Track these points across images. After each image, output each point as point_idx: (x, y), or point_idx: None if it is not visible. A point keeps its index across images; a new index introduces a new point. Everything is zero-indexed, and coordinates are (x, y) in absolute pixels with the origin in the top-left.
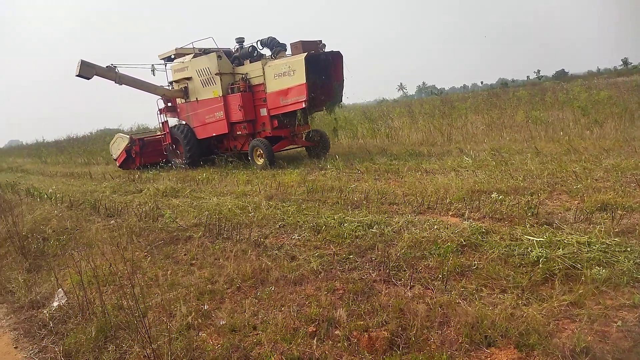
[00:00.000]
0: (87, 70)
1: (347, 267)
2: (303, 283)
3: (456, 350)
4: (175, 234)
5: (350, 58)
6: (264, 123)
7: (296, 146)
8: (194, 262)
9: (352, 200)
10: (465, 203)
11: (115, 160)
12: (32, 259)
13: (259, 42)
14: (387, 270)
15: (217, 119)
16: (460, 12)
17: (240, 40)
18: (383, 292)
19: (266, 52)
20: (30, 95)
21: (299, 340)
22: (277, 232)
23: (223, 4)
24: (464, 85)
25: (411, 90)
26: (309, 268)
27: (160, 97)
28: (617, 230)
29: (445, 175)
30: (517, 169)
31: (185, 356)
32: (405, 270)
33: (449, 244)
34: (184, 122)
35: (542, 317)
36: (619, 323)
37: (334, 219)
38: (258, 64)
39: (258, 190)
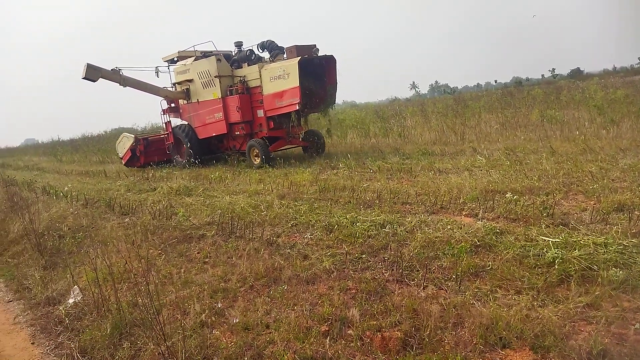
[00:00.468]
0: (92, 73)
1: (359, 267)
2: (316, 282)
3: (470, 351)
4: (188, 232)
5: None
6: (261, 124)
7: (292, 146)
8: (207, 260)
9: (364, 200)
10: (479, 203)
11: (121, 158)
12: (48, 256)
13: (258, 46)
14: (400, 270)
15: (216, 119)
16: (472, 10)
17: (238, 44)
18: (396, 292)
19: (265, 55)
20: (46, 94)
21: (312, 339)
22: (290, 231)
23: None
24: (478, 83)
25: (424, 89)
26: (322, 267)
27: (163, 98)
28: (634, 231)
29: (459, 174)
30: (532, 168)
31: (199, 354)
32: (418, 270)
33: (462, 244)
34: (186, 123)
35: (558, 318)
36: (637, 325)
37: (347, 218)
38: (255, 67)
39: (270, 189)
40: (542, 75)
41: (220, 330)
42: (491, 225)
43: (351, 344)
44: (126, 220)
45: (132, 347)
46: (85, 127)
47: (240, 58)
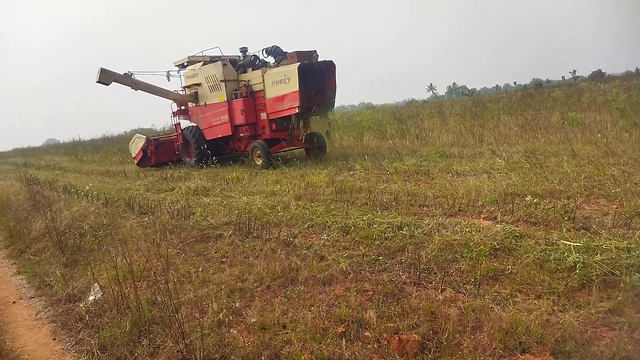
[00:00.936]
0: (106, 77)
1: (376, 269)
2: (332, 283)
3: (489, 355)
4: (206, 232)
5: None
6: (264, 126)
7: (294, 148)
8: (224, 259)
9: (381, 201)
10: (498, 206)
11: (134, 158)
12: (69, 254)
13: (264, 50)
14: (418, 273)
15: (222, 121)
16: (491, 11)
17: (243, 50)
18: (413, 295)
19: (271, 59)
20: (67, 94)
21: (329, 340)
22: (306, 232)
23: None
24: (496, 85)
25: (441, 91)
26: (338, 268)
27: (173, 101)
28: None
29: (477, 177)
30: (553, 171)
31: (217, 352)
32: (436, 273)
33: (481, 247)
34: (194, 124)
35: (579, 324)
36: None
37: (363, 220)
38: (258, 72)
39: (287, 190)
40: (563, 77)
41: (238, 330)
42: (511, 228)
43: (368, 346)
44: (145, 219)
45: (151, 344)
46: (106, 127)
47: (245, 63)
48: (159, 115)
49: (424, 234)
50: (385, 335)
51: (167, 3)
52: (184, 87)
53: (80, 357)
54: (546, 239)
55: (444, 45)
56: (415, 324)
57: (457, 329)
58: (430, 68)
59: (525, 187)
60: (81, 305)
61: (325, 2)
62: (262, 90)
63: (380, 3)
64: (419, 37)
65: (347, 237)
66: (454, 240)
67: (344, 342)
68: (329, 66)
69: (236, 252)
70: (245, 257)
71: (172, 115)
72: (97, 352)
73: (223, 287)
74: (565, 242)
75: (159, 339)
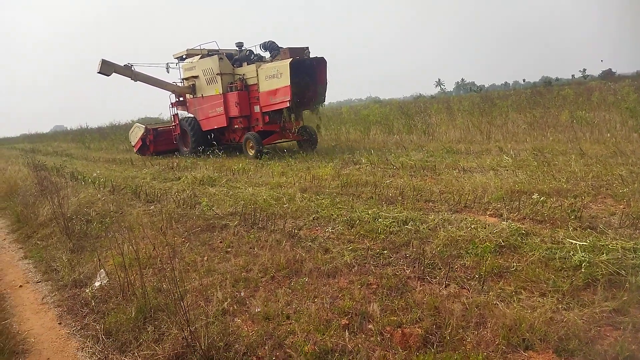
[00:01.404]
0: (106, 68)
1: (381, 262)
2: (336, 276)
3: (492, 351)
4: (211, 221)
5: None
6: (257, 119)
7: (286, 140)
8: (229, 249)
9: (386, 196)
10: (504, 203)
11: (133, 146)
12: (76, 240)
13: (260, 45)
14: (422, 268)
15: (218, 113)
16: (501, 7)
17: (239, 45)
18: (417, 289)
19: (267, 54)
20: (75, 82)
21: (332, 331)
22: (311, 224)
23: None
24: (505, 82)
25: (449, 87)
26: (343, 261)
27: (171, 92)
28: None
29: (484, 174)
30: (560, 170)
31: (221, 340)
32: (440, 269)
33: (486, 243)
34: (191, 115)
35: (583, 322)
36: None
37: (368, 214)
38: (253, 67)
39: (292, 182)
40: (572, 76)
41: (242, 319)
42: (516, 226)
43: (371, 339)
44: (151, 207)
45: (156, 330)
46: (113, 116)
47: (241, 57)
48: (166, 105)
49: (429, 229)
50: (388, 329)
51: (169, 1)
52: (183, 79)
53: (86, 342)
54: (552, 237)
55: (453, 41)
56: (419, 318)
57: (461, 324)
58: (438, 64)
59: (532, 185)
60: (87, 290)
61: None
62: (256, 84)
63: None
64: (428, 33)
65: (352, 230)
66: (459, 236)
67: (347, 334)
68: (320, 62)
69: (241, 242)
70: (250, 248)
71: (171, 106)
72: (102, 337)
73: (228, 276)
74: (571, 240)
75: (164, 325)
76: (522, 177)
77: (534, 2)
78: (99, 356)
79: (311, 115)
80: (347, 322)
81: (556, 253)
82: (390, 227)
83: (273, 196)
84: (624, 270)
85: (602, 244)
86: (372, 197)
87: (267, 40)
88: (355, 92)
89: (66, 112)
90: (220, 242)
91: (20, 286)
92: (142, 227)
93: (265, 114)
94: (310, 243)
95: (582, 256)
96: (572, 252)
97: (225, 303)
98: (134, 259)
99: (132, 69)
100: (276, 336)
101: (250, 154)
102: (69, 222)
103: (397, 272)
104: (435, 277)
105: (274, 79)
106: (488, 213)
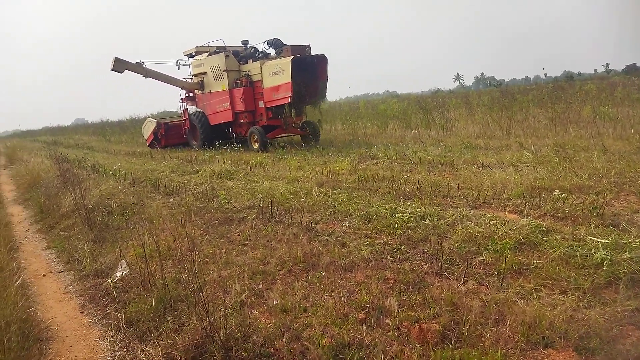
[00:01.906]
0: (119, 65)
1: (398, 258)
2: (353, 270)
3: (511, 349)
4: (229, 214)
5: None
6: (262, 114)
7: (289, 134)
8: (247, 242)
9: (404, 191)
10: (525, 199)
11: (146, 140)
12: (98, 231)
13: (266, 42)
14: (440, 263)
15: (224, 108)
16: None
17: (245, 42)
18: (435, 285)
19: (272, 51)
20: (96, 76)
21: (349, 325)
22: (328, 219)
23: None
24: (526, 76)
25: (468, 81)
26: (360, 256)
27: (181, 88)
28: None
29: (503, 169)
30: (582, 166)
31: (239, 331)
32: (458, 265)
33: (506, 240)
34: (200, 110)
35: (605, 321)
36: None
37: (386, 209)
38: (257, 64)
39: (309, 176)
40: (595, 70)
41: (260, 311)
42: (537, 222)
43: (388, 333)
44: (170, 200)
45: (176, 320)
46: (133, 109)
47: (246, 55)
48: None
49: (447, 225)
50: (405, 324)
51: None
52: (192, 76)
53: (107, 331)
54: (573, 234)
55: (472, 35)
56: (437, 314)
57: (479, 320)
58: (456, 58)
59: (553, 181)
60: (108, 280)
61: None
62: (260, 80)
63: None
64: (446, 26)
65: (369, 225)
66: (477, 232)
67: (364, 328)
68: (321, 60)
69: (259, 235)
70: (268, 241)
71: (181, 101)
72: (123, 327)
73: (246, 269)
74: (592, 238)
75: (184, 316)
76: (543, 173)
77: None
78: (120, 345)
79: (312, 111)
80: (364, 317)
81: (577, 250)
82: (407, 223)
83: (290, 190)
84: None
85: (625, 241)
86: (390, 192)
87: (273, 38)
88: (372, 87)
89: (87, 106)
90: (238, 235)
91: (44, 275)
92: (162, 219)
93: (268, 109)
94: (327, 237)
95: (604, 254)
96: (593, 250)
97: (244, 295)
98: (155, 250)
99: (144, 66)
100: (293, 329)
101: (255, 147)
102: (90, 213)
103: (415, 267)
104: (453, 273)
105: (276, 76)
106: (508, 209)
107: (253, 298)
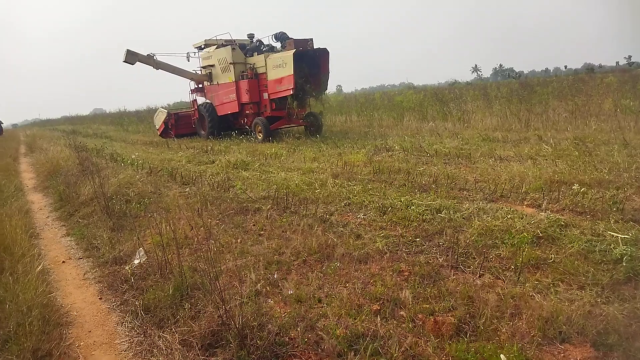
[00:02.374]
0: (131, 57)
1: (413, 250)
2: (368, 262)
3: (527, 343)
4: (245, 204)
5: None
6: (266, 105)
7: (293, 125)
8: (262, 232)
9: (420, 183)
10: (543, 193)
11: (157, 129)
12: (116, 219)
13: (272, 36)
14: (456, 256)
15: (231, 99)
16: None
17: (250, 36)
18: (450, 278)
19: (278, 44)
20: (114, 67)
21: (363, 316)
22: (343, 210)
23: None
24: (546, 68)
25: (486, 73)
26: (374, 247)
27: (190, 80)
28: None
29: (522, 163)
30: (602, 160)
31: (254, 320)
32: (474, 258)
33: (523, 234)
34: (208, 101)
35: (624, 317)
36: None
37: (401, 201)
38: (262, 56)
39: (324, 167)
40: (617, 63)
41: (275, 300)
42: (555, 217)
43: (403, 325)
44: (187, 189)
45: (192, 308)
46: (150, 100)
47: (252, 48)
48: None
49: (464, 218)
50: (420, 316)
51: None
52: (201, 68)
53: (125, 317)
54: (592, 229)
55: (490, 26)
56: (452, 307)
57: (495, 314)
58: (474, 50)
59: (573, 175)
60: (126, 267)
61: None
62: (265, 72)
63: None
64: (463, 16)
65: (384, 217)
66: (494, 226)
67: (378, 319)
68: (323, 53)
69: (274, 225)
70: (283, 231)
71: (190, 92)
72: (141, 313)
73: (261, 258)
74: (612, 233)
75: (200, 303)
76: (562, 167)
77: None
78: (137, 331)
79: (316, 103)
80: (378, 308)
81: (596, 246)
82: (423, 215)
83: (305, 181)
84: None
85: None
86: (405, 185)
87: (279, 32)
88: (388, 78)
89: (105, 95)
90: (254, 225)
91: (63, 262)
92: (179, 209)
93: (272, 100)
94: (341, 228)
95: (624, 249)
96: (613, 245)
97: (259, 284)
98: (172, 239)
99: (155, 58)
100: (308, 319)
101: (259, 138)
102: (109, 201)
103: (430, 260)
104: (469, 267)
105: (279, 68)
106: (525, 203)
107: (268, 287)
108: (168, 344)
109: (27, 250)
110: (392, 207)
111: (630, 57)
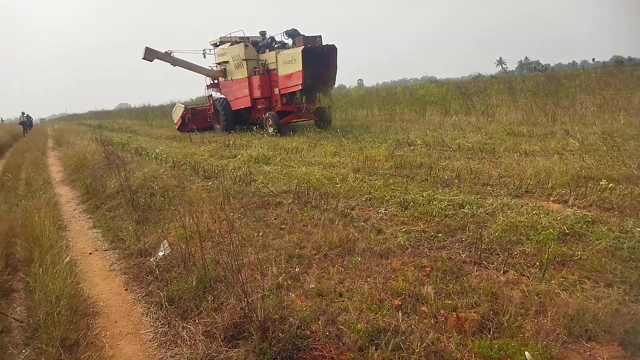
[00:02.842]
0: (150, 55)
1: (435, 245)
2: (389, 257)
3: (552, 340)
4: (266, 199)
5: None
6: (277, 100)
7: (303, 119)
8: (283, 226)
9: (442, 178)
10: (570, 189)
11: (175, 123)
12: (141, 212)
13: (284, 33)
14: (479, 252)
15: (244, 95)
16: None
17: (262, 33)
18: (473, 274)
19: (289, 41)
20: (138, 63)
21: (385, 311)
22: (364, 205)
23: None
24: (573, 61)
25: (511, 66)
26: (396, 242)
27: (206, 76)
28: None
29: (548, 158)
30: (631, 155)
31: (276, 313)
32: (498, 254)
33: (549, 230)
34: (223, 97)
35: None
36: None
37: (423, 196)
38: (273, 53)
39: (345, 162)
40: None
41: (296, 294)
42: (582, 213)
43: (425, 320)
44: (209, 183)
45: (215, 300)
46: (174, 94)
47: (264, 45)
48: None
49: (487, 214)
50: (442, 312)
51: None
52: (216, 64)
53: (150, 308)
54: (620, 225)
55: (516, 17)
56: (475, 303)
57: (519, 311)
58: (499, 42)
59: (601, 170)
60: (151, 259)
61: None
62: (276, 68)
63: None
64: (487, 7)
65: (406, 212)
66: (519, 221)
67: (400, 314)
68: (331, 49)
69: (295, 220)
70: (304, 225)
71: (206, 87)
72: (165, 304)
73: (282, 252)
74: None
75: (223, 296)
76: (590, 162)
77: None
78: (162, 322)
79: (324, 98)
80: (399, 303)
81: (624, 242)
82: (445, 210)
83: (326, 176)
84: None
85: None
86: (427, 180)
87: (291, 28)
88: (410, 72)
89: (130, 90)
90: (275, 218)
91: (90, 253)
92: (201, 202)
93: (282, 95)
94: (362, 223)
95: None
96: None
97: (280, 278)
98: (195, 232)
99: (172, 55)
100: (329, 312)
101: (270, 131)
102: (134, 194)
103: (452, 255)
104: (492, 263)
105: (289, 64)
106: (551, 199)
107: (289, 281)
108: (191, 335)
109: (55, 242)
110: (413, 202)
111: None
